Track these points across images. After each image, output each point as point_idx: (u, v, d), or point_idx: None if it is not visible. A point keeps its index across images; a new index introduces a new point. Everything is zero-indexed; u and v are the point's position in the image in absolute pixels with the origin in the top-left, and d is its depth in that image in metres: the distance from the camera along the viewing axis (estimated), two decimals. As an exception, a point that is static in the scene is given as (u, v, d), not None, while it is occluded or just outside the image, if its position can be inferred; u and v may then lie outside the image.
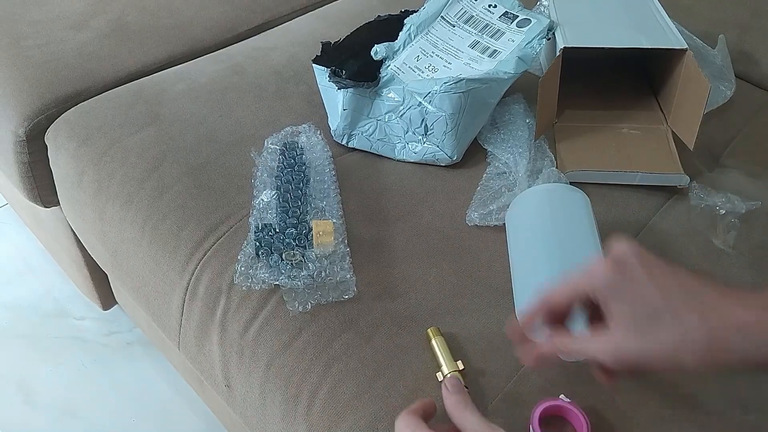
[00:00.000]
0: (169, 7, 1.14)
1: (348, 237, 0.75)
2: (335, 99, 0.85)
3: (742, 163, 0.88)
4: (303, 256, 0.69)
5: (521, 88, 0.90)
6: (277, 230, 0.72)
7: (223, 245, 0.76)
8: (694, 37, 0.99)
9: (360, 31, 0.91)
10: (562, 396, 0.59)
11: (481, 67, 0.85)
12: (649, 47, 0.85)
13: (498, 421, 0.59)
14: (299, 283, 0.68)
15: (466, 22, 0.92)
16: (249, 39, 1.11)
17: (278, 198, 0.77)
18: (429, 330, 0.65)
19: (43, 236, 1.31)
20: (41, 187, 1.00)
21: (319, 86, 0.88)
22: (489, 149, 0.87)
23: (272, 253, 0.70)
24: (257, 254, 0.70)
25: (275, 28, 1.14)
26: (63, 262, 1.27)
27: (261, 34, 1.12)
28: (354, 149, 0.88)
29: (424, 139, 0.84)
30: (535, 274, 0.65)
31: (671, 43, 0.85)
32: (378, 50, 0.87)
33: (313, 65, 0.85)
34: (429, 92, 0.80)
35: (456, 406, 0.54)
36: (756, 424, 0.60)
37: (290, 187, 0.78)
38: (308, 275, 0.68)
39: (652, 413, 0.61)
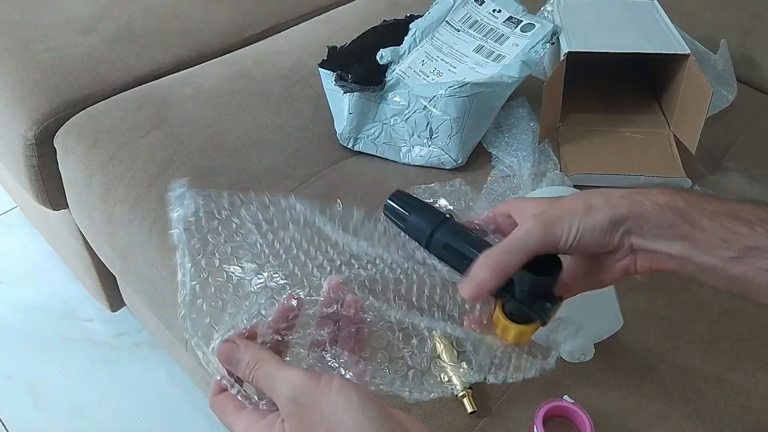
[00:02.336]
0: (177, 11, 1.15)
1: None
2: (341, 103, 0.85)
3: (743, 167, 0.88)
4: None
5: (525, 92, 0.91)
6: None
7: (230, 247, 0.77)
8: (696, 42, 0.99)
9: (366, 36, 0.92)
10: (565, 396, 0.60)
11: (486, 71, 0.86)
12: (652, 52, 0.85)
13: (502, 422, 0.60)
14: None
15: (470, 27, 0.92)
16: (256, 43, 1.12)
17: None
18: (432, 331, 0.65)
19: (52, 238, 1.32)
20: (50, 189, 1.00)
21: (325, 90, 0.89)
22: (493, 152, 0.87)
23: None
24: None
25: (282, 33, 1.15)
26: (71, 264, 1.28)
27: (268, 39, 1.13)
28: (360, 152, 0.89)
29: (429, 143, 0.84)
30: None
31: (674, 48, 0.85)
32: (383, 54, 0.87)
33: (320, 69, 0.86)
34: (434, 96, 0.81)
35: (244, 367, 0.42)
36: (756, 423, 0.61)
37: None
38: None
39: (654, 413, 0.61)
